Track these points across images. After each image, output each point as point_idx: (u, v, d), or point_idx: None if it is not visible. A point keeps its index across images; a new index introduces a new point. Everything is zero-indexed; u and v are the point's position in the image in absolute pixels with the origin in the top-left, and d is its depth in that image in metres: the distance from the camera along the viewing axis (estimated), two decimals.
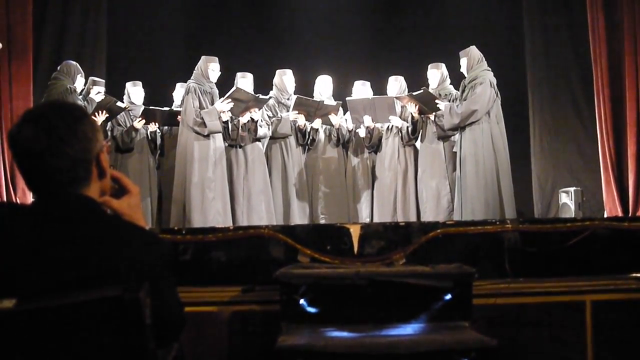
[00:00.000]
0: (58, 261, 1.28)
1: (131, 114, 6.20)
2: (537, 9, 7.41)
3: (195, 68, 5.83)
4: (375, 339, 2.62)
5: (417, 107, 5.82)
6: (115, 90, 6.43)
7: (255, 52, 7.74)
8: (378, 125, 6.04)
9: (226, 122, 5.74)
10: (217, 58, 5.85)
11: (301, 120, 5.98)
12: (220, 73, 5.85)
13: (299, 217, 5.98)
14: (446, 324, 2.72)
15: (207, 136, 5.60)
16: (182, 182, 5.57)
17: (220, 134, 5.72)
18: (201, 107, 5.63)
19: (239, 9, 8.20)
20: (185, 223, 5.42)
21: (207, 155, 5.59)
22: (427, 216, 5.77)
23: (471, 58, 5.69)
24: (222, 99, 5.66)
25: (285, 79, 6.20)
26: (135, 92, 6.36)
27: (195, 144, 5.58)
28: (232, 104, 5.62)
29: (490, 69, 5.68)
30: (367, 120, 5.96)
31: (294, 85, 6.25)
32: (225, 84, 5.92)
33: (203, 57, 5.85)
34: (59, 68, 5.98)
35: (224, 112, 5.63)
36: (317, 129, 6.07)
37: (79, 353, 1.25)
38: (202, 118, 5.56)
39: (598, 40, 6.30)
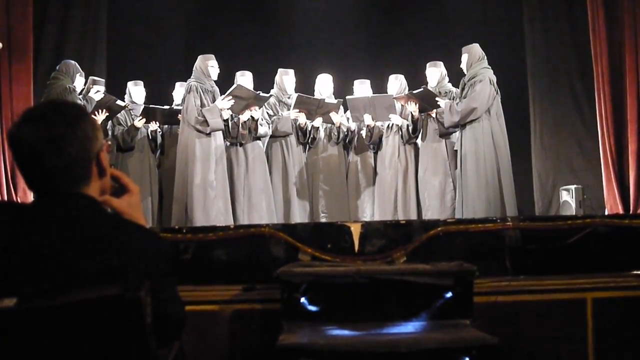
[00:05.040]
0: (58, 260, 1.28)
1: (132, 113, 6.20)
2: (537, 5, 7.40)
3: (194, 67, 5.83)
4: (376, 337, 2.62)
5: (417, 105, 5.82)
6: (116, 89, 6.44)
7: (255, 51, 7.75)
8: (378, 123, 6.04)
9: (226, 120, 5.74)
10: (213, 55, 5.86)
11: (302, 119, 5.98)
12: (219, 70, 5.86)
13: (300, 215, 5.98)
14: (447, 322, 2.73)
15: (209, 134, 5.60)
16: (184, 181, 5.57)
17: (221, 132, 5.72)
18: (202, 106, 5.63)
19: (239, 8, 8.20)
20: (187, 222, 5.42)
21: (209, 154, 5.59)
22: (431, 214, 5.76)
23: (472, 55, 5.68)
24: (223, 96, 5.66)
25: (285, 78, 6.20)
26: (136, 91, 6.37)
27: (197, 143, 5.58)
28: (233, 101, 5.62)
29: (490, 67, 5.68)
30: (367, 119, 5.96)
31: (294, 85, 6.25)
32: (225, 83, 5.92)
33: (200, 56, 5.85)
34: (57, 68, 5.98)
35: (224, 109, 5.64)
36: (318, 127, 6.08)
37: (80, 352, 1.25)
38: (204, 116, 5.56)
39: (598, 37, 6.30)
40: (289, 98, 6.15)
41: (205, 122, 5.55)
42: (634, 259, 3.23)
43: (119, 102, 6.02)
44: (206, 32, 8.00)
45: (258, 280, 3.08)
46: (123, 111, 6.12)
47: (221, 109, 5.61)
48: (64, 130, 1.35)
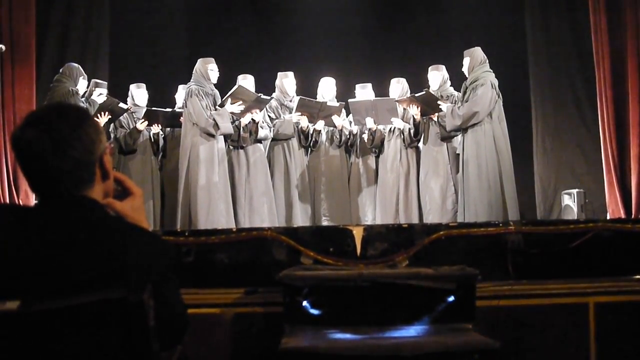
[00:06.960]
0: (61, 263, 1.28)
1: (134, 115, 6.21)
2: (539, 9, 7.41)
3: (194, 71, 5.84)
4: (378, 341, 2.62)
5: (419, 108, 5.83)
6: (118, 92, 6.44)
7: (257, 54, 7.76)
8: (380, 127, 6.04)
9: None
10: (213, 59, 5.87)
11: (304, 122, 5.98)
12: (218, 74, 5.87)
13: (302, 218, 5.98)
14: (449, 326, 2.72)
15: (212, 137, 5.61)
16: (188, 183, 5.57)
17: (223, 135, 5.73)
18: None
19: (242, 11, 8.21)
20: (191, 224, 5.43)
21: (212, 156, 5.60)
22: (432, 218, 5.76)
23: (474, 58, 5.68)
24: (225, 97, 5.67)
25: (285, 81, 6.21)
26: (139, 94, 6.37)
27: (201, 145, 5.59)
28: (243, 106, 5.64)
29: (491, 70, 5.68)
30: (369, 122, 5.97)
31: (295, 87, 6.26)
32: (226, 86, 5.93)
33: (200, 60, 5.87)
34: (61, 70, 6.00)
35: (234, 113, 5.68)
36: (320, 130, 6.08)
37: (83, 355, 1.25)
38: (214, 119, 5.57)
39: (600, 41, 6.30)
40: (290, 101, 6.16)
41: (216, 126, 5.56)
42: (637, 263, 3.22)
43: (121, 104, 6.03)
44: (208, 35, 8.00)
45: (260, 283, 3.07)
46: (125, 114, 6.14)
47: (231, 114, 5.65)
48: (67, 133, 1.36)
